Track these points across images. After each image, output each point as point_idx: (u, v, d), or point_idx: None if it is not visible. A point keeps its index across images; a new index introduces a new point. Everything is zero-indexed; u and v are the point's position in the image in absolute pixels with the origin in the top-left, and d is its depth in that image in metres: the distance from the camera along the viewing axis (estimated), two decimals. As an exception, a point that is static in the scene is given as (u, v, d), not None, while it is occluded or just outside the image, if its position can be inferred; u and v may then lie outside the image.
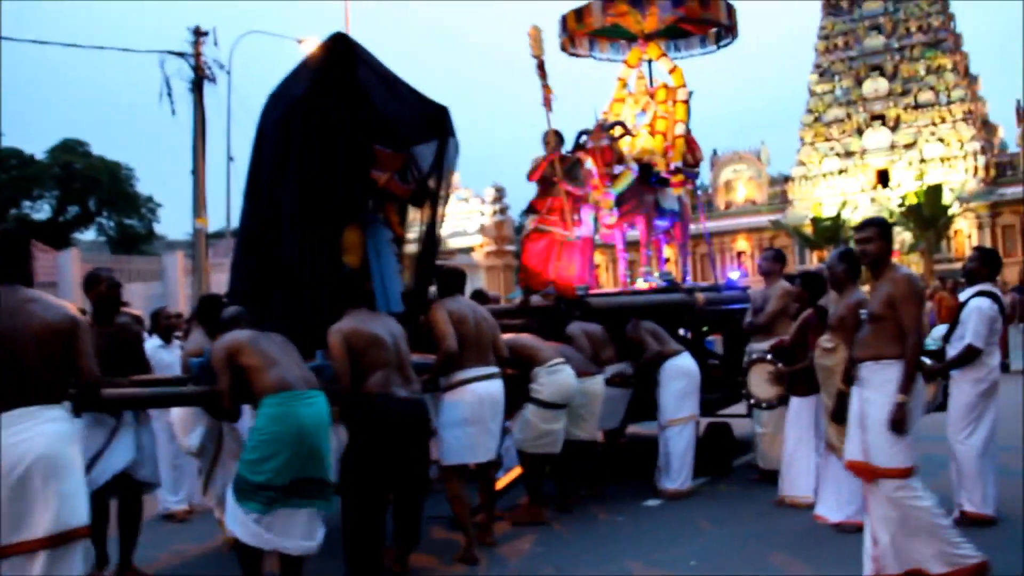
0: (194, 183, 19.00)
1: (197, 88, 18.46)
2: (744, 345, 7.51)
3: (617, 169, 8.28)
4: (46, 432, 3.48)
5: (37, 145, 55.30)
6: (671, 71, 9.15)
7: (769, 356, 6.70)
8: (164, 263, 21.37)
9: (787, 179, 43.71)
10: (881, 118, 40.66)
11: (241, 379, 4.66)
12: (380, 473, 5.04)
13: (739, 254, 42.73)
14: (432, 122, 5.94)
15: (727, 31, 9.72)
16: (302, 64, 5.88)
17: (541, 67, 7.88)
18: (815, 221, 38.21)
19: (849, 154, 41.32)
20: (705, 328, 8.88)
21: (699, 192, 36.02)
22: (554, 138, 7.93)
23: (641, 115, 9.09)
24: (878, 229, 4.58)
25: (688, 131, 8.97)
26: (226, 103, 33.09)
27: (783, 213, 41.95)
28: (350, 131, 5.71)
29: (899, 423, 4.23)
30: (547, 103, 7.85)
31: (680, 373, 7.07)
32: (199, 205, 19.09)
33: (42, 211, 46.83)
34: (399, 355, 5.24)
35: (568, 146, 8.26)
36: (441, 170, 5.95)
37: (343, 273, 5.65)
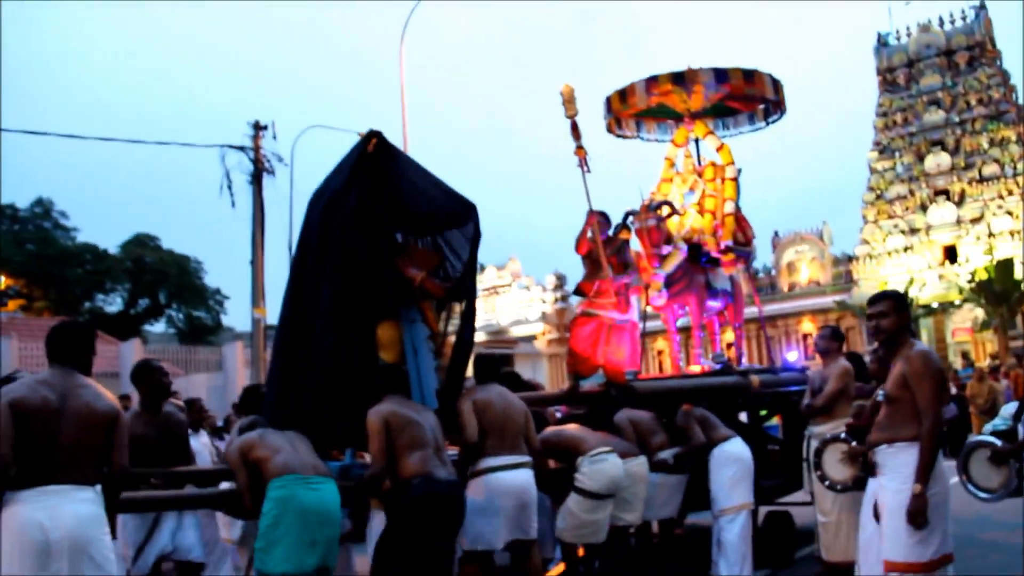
0: (252, 274, 19.28)
1: (256, 181, 18.87)
2: (803, 429, 7.16)
3: (665, 250, 8.10)
4: (76, 512, 3.67)
5: (110, 240, 57.04)
6: (718, 149, 9.01)
7: (843, 435, 6.35)
8: (224, 353, 21.67)
9: (851, 258, 42.91)
10: (945, 193, 39.88)
11: (256, 475, 4.65)
12: (417, 557, 4.91)
13: (804, 336, 41.81)
14: (461, 216, 5.98)
15: (775, 107, 9.57)
16: (342, 161, 5.96)
17: (575, 128, 7.68)
18: (882, 300, 37.23)
19: (914, 231, 40.50)
20: (763, 412, 8.53)
21: (760, 274, 35.47)
22: (598, 219, 7.79)
23: (689, 194, 8.93)
24: (892, 302, 4.36)
25: (738, 209, 8.77)
26: (287, 194, 33.88)
27: (848, 293, 41.10)
28: (385, 225, 5.81)
29: (916, 515, 3.95)
30: (583, 163, 7.65)
31: (730, 459, 6.75)
32: (257, 295, 19.33)
33: (114, 304, 48.27)
34: (436, 440, 5.18)
35: (614, 227, 8.13)
36: (474, 267, 6.03)
37: (379, 367, 5.62)
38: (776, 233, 43.97)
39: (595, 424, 6.65)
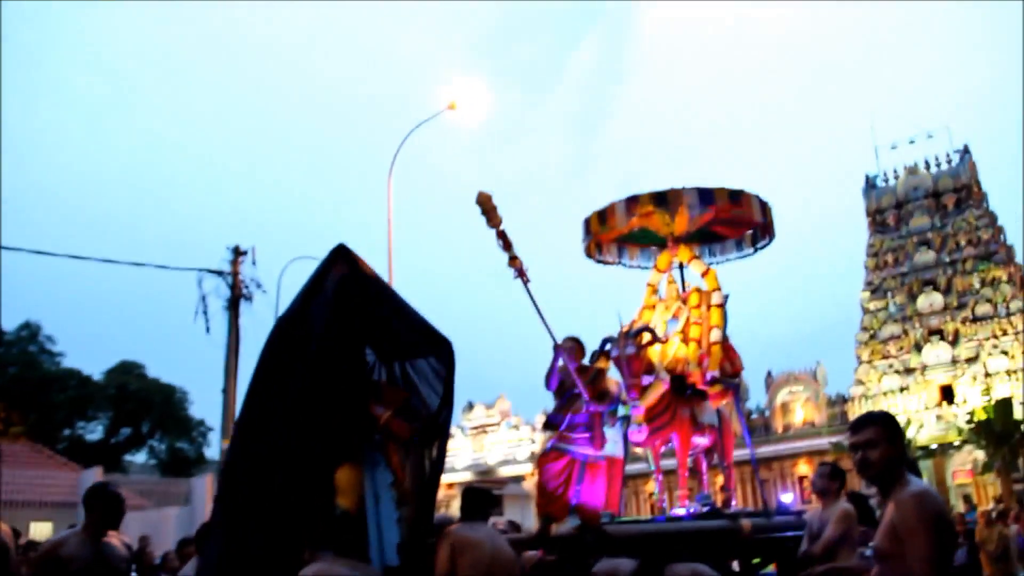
0: (224, 402, 18.53)
1: (232, 306, 18.36)
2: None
3: (646, 380, 7.47)
4: None
5: (95, 366, 56.37)
6: (704, 274, 8.50)
7: None
8: (193, 485, 20.69)
9: (846, 399, 42.22)
10: (939, 333, 39.57)
11: None
12: None
13: (800, 479, 40.69)
14: (437, 345, 5.56)
15: (763, 231, 9.13)
16: (308, 282, 5.48)
17: (503, 237, 6.95)
18: (879, 441, 36.36)
19: (909, 371, 39.99)
20: (756, 560, 7.74)
21: (754, 415, 34.72)
22: (572, 345, 7.22)
23: (673, 322, 8.36)
24: (879, 429, 3.47)
25: (725, 337, 8.19)
26: (267, 323, 33.49)
27: (844, 435, 40.14)
28: (355, 348, 5.34)
29: None
30: (521, 275, 6.95)
31: None
32: (228, 425, 18.53)
33: (96, 432, 47.32)
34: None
35: (591, 354, 7.54)
36: (447, 408, 5.54)
37: (334, 516, 4.99)
38: (769, 373, 43.41)
39: (572, 574, 5.92)
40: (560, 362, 7.06)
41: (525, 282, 6.94)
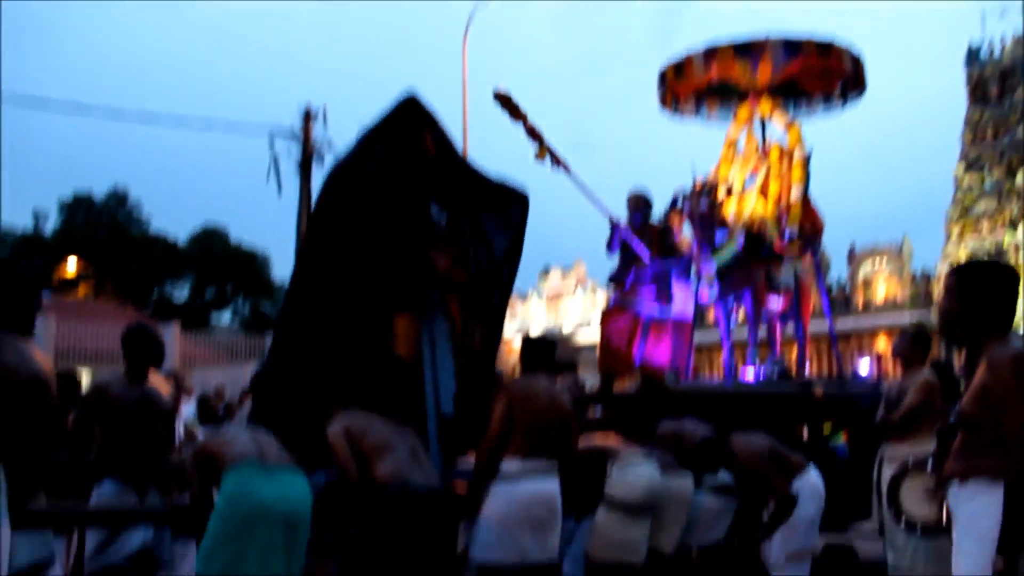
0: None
1: (303, 168, 18.24)
2: (875, 449, 6.08)
3: (719, 237, 7.08)
4: None
5: (180, 230, 57.92)
6: (787, 128, 7.94)
7: (931, 464, 5.25)
8: (268, 341, 21.13)
9: (931, 277, 40.98)
10: (1036, 211, 37.77)
11: (211, 476, 3.81)
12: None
13: (879, 356, 40.02)
14: (507, 198, 5.30)
15: (853, 84, 8.46)
16: (369, 129, 5.19)
17: (531, 132, 6.52)
18: (964, 321, 35.28)
19: (1001, 250, 38.46)
20: (827, 428, 7.45)
21: (834, 289, 33.76)
22: (639, 201, 6.85)
23: (751, 178, 7.87)
24: (966, 276, 3.00)
25: (806, 195, 7.69)
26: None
27: (928, 313, 39.20)
28: (422, 193, 5.08)
29: None
30: (556, 162, 6.50)
31: (812, 494, 5.47)
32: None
33: (182, 293, 48.96)
34: (412, 447, 4.40)
35: (660, 210, 7.18)
36: (514, 259, 5.29)
37: (391, 363, 4.84)
38: (852, 246, 42.19)
39: (632, 434, 5.69)
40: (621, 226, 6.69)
41: (564, 169, 6.49)
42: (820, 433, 7.34)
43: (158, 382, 5.34)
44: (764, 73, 7.92)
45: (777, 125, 8.06)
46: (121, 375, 5.06)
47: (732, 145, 8.20)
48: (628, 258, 6.82)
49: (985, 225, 38.89)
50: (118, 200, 47.35)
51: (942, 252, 40.40)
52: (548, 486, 4.70)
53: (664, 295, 6.83)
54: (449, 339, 5.29)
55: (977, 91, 40.85)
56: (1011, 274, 3.01)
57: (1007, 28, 40.70)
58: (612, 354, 6.69)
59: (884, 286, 42.19)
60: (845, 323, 37.59)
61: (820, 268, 8.29)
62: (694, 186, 7.02)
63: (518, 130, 6.43)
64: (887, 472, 5.65)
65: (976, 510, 2.80)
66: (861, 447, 6.96)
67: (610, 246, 6.94)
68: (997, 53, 40.52)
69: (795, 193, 7.54)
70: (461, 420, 5.08)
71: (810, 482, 5.58)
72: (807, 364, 7.97)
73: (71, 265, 38.57)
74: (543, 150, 6.50)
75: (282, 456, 3.93)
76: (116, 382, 4.99)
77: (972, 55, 41.18)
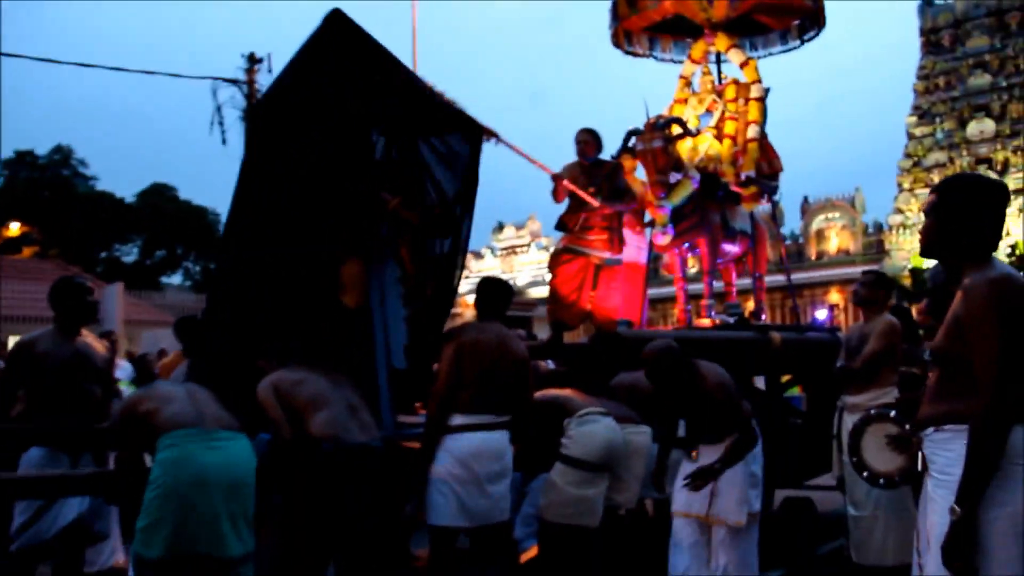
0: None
1: (248, 117, 17.55)
2: (834, 399, 5.82)
3: (673, 178, 6.71)
4: None
5: (127, 189, 56.54)
6: (743, 65, 7.56)
7: (893, 413, 4.96)
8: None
9: (883, 228, 41.24)
10: (987, 162, 37.93)
11: (145, 437, 3.42)
12: (326, 538, 3.86)
13: (832, 307, 40.34)
14: (456, 125, 4.86)
15: (811, 21, 8.10)
16: (298, 54, 4.72)
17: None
18: (914, 272, 35.52)
19: (952, 201, 38.65)
20: (785, 377, 7.20)
21: (788, 241, 33.69)
22: (587, 138, 6.43)
23: (706, 116, 7.50)
24: (944, 192, 2.63)
25: (764, 135, 7.34)
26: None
27: (879, 264, 39.42)
28: (353, 125, 4.61)
29: (951, 550, 2.33)
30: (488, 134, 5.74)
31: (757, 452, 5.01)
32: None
33: (131, 254, 47.92)
34: (349, 401, 4.10)
35: (611, 150, 6.78)
36: (469, 201, 4.84)
37: (338, 313, 4.53)
38: (805, 199, 42.27)
39: (587, 386, 5.37)
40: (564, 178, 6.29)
41: (496, 140, 5.87)
42: (778, 383, 7.08)
43: (94, 342, 4.89)
44: (720, 5, 7.53)
45: (733, 61, 7.69)
46: (50, 331, 4.66)
47: (687, 83, 7.82)
48: (576, 203, 6.43)
49: (936, 176, 39.06)
50: (63, 157, 46.09)
51: (894, 204, 40.62)
52: (496, 440, 4.39)
53: (616, 239, 6.46)
54: (399, 286, 4.91)
55: (930, 40, 40.82)
56: (997, 189, 2.64)
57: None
58: (562, 302, 6.33)
59: (837, 238, 42.38)
60: (798, 276, 37.72)
61: (776, 214, 7.95)
62: (646, 123, 6.63)
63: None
64: (848, 422, 5.39)
65: (952, 458, 2.45)
66: (820, 397, 6.73)
67: (555, 196, 6.51)
68: (950, 1, 40.47)
69: (752, 132, 7.18)
70: (413, 373, 4.83)
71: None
72: (763, 313, 7.68)
73: (14, 226, 37.32)
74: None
75: (222, 417, 3.55)
76: (43, 338, 4.60)
77: (926, 3, 41.06)
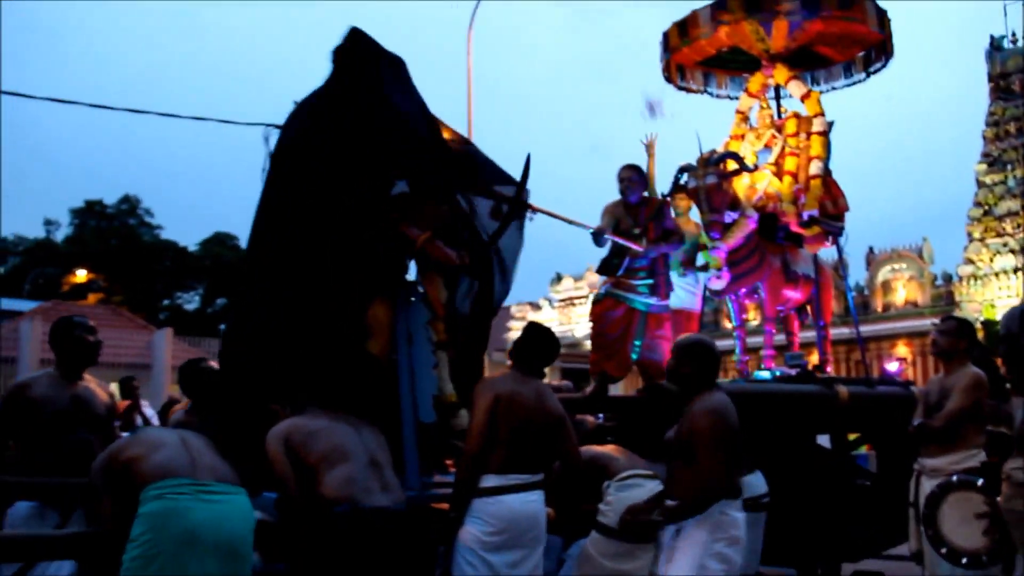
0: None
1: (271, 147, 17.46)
2: (910, 460, 5.18)
3: (729, 217, 6.20)
4: None
5: (191, 238, 57.68)
6: (804, 97, 7.04)
7: (979, 481, 4.34)
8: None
9: (953, 279, 39.88)
10: (1062, 210, 36.57)
11: (127, 489, 3.00)
12: None
13: (899, 361, 38.85)
14: (497, 181, 4.66)
15: (878, 51, 7.57)
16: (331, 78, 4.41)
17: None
18: (987, 325, 34.09)
19: (1024, 250, 37.30)
20: (853, 435, 6.58)
21: (853, 292, 32.76)
22: (631, 175, 5.96)
23: (765, 152, 6.98)
24: None
25: (827, 171, 6.79)
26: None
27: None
28: (385, 164, 4.32)
29: None
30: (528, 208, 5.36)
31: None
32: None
33: (192, 302, 48.80)
34: (371, 454, 3.63)
35: (660, 189, 6.32)
36: (502, 230, 4.63)
37: (363, 364, 4.14)
38: (871, 249, 41.04)
39: (632, 444, 4.87)
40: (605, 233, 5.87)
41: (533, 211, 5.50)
42: (845, 441, 6.46)
43: (96, 387, 4.54)
44: (779, 35, 7.04)
45: (794, 94, 7.18)
46: (48, 374, 4.30)
47: (744, 118, 7.32)
48: (620, 248, 5.96)
49: (1008, 225, 37.70)
50: (130, 207, 47.30)
51: (963, 254, 39.28)
52: (531, 503, 3.90)
53: (662, 284, 5.96)
54: (428, 331, 4.49)
55: (999, 85, 39.61)
56: None
57: (1030, 20, 39.59)
58: (605, 351, 5.83)
59: (904, 290, 41.03)
60: (864, 329, 36.49)
61: (842, 261, 7.32)
62: (699, 159, 6.14)
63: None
64: (926, 488, 4.78)
65: None
66: (892, 457, 6.09)
67: (598, 244, 6.04)
68: (1020, 44, 39.39)
69: (814, 168, 6.63)
70: (442, 427, 4.50)
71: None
72: (828, 365, 7.05)
73: (80, 272, 38.20)
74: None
75: (219, 468, 3.12)
76: (40, 381, 4.23)
77: (994, 48, 40.03)
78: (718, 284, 6.10)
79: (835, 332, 7.71)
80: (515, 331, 35.03)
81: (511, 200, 4.69)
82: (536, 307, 44.27)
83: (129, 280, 42.70)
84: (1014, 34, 39.98)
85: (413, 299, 4.52)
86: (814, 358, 7.10)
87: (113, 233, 45.26)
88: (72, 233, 44.84)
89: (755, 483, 4.84)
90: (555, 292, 45.98)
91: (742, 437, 5.08)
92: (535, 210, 5.10)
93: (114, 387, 7.04)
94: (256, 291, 4.37)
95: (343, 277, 4.21)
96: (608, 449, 4.72)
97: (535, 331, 4.29)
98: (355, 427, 3.70)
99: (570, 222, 5.47)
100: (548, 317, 44.33)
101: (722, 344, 7.38)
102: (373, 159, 4.30)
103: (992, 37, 40.31)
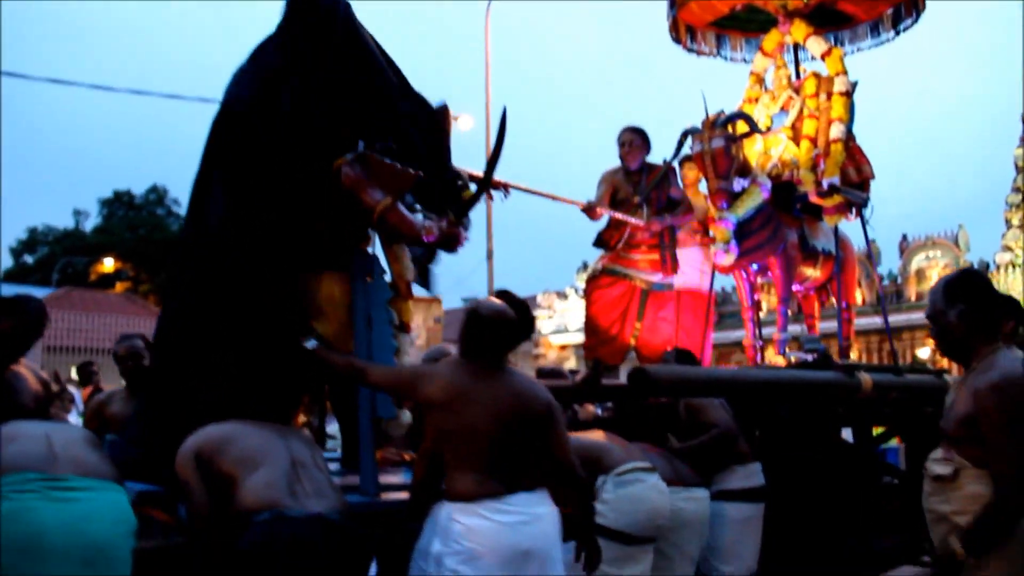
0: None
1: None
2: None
3: (739, 185, 5.58)
4: None
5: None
6: (825, 55, 6.35)
7: None
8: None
9: (990, 267, 38.77)
10: (1104, 194, 35.41)
11: None
12: None
13: (933, 353, 37.90)
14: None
15: (908, 7, 6.87)
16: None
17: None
18: (1026, 314, 33.13)
19: (1065, 237, 36.17)
20: (878, 429, 5.95)
21: (886, 281, 31.76)
22: (632, 138, 5.37)
23: (781, 115, 6.32)
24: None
25: (851, 135, 6.12)
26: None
27: (987, 305, 36.90)
28: (339, 117, 3.77)
29: None
30: (498, 188, 4.91)
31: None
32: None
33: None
34: (298, 458, 3.06)
35: (661, 154, 5.71)
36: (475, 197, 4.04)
37: (306, 347, 3.72)
38: (905, 236, 40.06)
39: (629, 435, 4.32)
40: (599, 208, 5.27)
41: (505, 193, 4.89)
42: (869, 434, 5.84)
43: (29, 375, 4.06)
44: (797, -9, 6.38)
45: (813, 52, 6.51)
46: None
47: (758, 80, 6.65)
48: (619, 221, 5.37)
49: (1049, 211, 36.63)
50: (158, 196, 47.64)
51: (1001, 241, 38.18)
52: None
53: (668, 260, 5.37)
54: (388, 308, 3.93)
55: (1040, 67, 38.58)
56: None
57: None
58: (601, 335, 5.25)
59: (939, 278, 39.99)
60: (895, 319, 35.56)
61: (868, 236, 6.61)
62: (705, 121, 5.52)
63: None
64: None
65: None
66: (923, 453, 5.48)
67: (593, 218, 5.45)
68: (1061, 26, 38.20)
69: (835, 131, 5.93)
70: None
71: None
72: (851, 349, 6.40)
73: (108, 262, 38.49)
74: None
75: (87, 462, 2.59)
76: None
77: (1034, 29, 38.90)
78: (725, 259, 5.47)
79: (867, 322, 7.05)
80: (540, 320, 34.45)
81: (479, 179, 4.11)
82: (563, 296, 43.84)
83: (156, 269, 42.99)
84: (1054, 14, 38.75)
85: (372, 274, 3.96)
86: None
87: (141, 223, 45.60)
88: (101, 223, 45.27)
89: (756, 472, 4.31)
90: (581, 281, 45.48)
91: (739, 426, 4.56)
92: (508, 188, 4.54)
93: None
94: (189, 269, 3.85)
95: (281, 247, 3.67)
96: (599, 437, 4.14)
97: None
98: (279, 432, 3.15)
99: (554, 198, 4.89)
100: (575, 305, 43.87)
101: (731, 335, 6.77)
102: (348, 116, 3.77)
103: (1032, 17, 39.17)
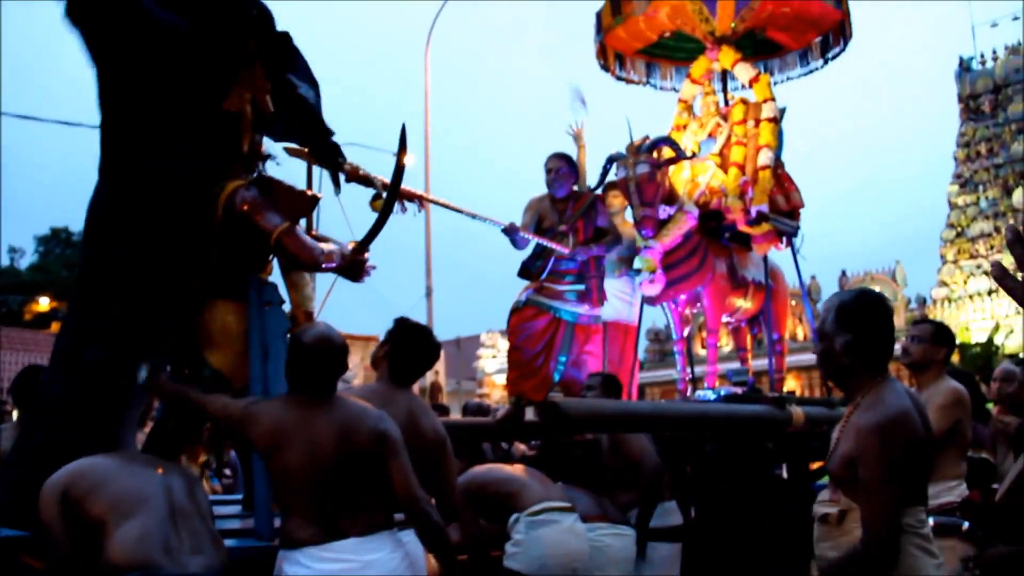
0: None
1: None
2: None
3: (664, 212, 5.40)
4: None
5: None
6: (752, 81, 6.25)
7: (965, 525, 3.52)
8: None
9: (927, 302, 39.50)
10: (1036, 230, 36.24)
11: None
12: None
13: (873, 386, 38.26)
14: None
15: (836, 35, 6.81)
16: None
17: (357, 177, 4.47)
18: (962, 348, 33.59)
19: (999, 272, 36.88)
20: (814, 464, 5.76)
21: (812, 314, 32.17)
22: (559, 164, 5.18)
23: (709, 142, 6.18)
24: None
25: (779, 162, 6.00)
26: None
27: (924, 339, 37.41)
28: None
29: None
30: (406, 200, 4.51)
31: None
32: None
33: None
34: (179, 504, 2.78)
35: (588, 181, 5.51)
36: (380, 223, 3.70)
37: (203, 377, 3.44)
38: (844, 272, 40.70)
39: (561, 473, 4.08)
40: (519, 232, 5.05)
41: (420, 206, 4.61)
42: (805, 471, 5.63)
43: None
44: (725, 15, 6.27)
45: (741, 79, 6.40)
46: None
47: (687, 107, 6.52)
48: (544, 248, 5.15)
49: (981, 246, 37.33)
50: (96, 234, 47.00)
51: (937, 277, 38.86)
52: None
53: (595, 291, 5.15)
54: (286, 338, 3.64)
55: (969, 106, 39.43)
56: None
57: (998, 40, 39.52)
58: (523, 368, 4.99)
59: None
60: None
61: (798, 255, 6.42)
62: (629, 146, 5.34)
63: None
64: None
65: None
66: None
67: (516, 245, 5.21)
68: (990, 65, 39.32)
69: (764, 158, 5.80)
70: None
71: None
72: (783, 383, 6.22)
73: (43, 301, 37.45)
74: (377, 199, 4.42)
75: None
76: None
77: (963, 69, 39.93)
78: (651, 289, 5.28)
79: (806, 359, 6.88)
80: (484, 359, 34.07)
81: (388, 187, 3.88)
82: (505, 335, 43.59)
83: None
84: (983, 55, 39.98)
85: (270, 302, 3.68)
86: (790, 383, 6.30)
87: (77, 261, 44.71)
88: (37, 261, 44.28)
89: (673, 510, 4.10)
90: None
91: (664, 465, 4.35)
92: (423, 202, 4.27)
93: None
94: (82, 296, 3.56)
95: (178, 271, 3.40)
96: (518, 472, 3.88)
97: (411, 330, 3.43)
98: (162, 470, 2.83)
99: (473, 216, 4.64)
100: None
101: (662, 374, 6.54)
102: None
103: (961, 58, 40.27)
